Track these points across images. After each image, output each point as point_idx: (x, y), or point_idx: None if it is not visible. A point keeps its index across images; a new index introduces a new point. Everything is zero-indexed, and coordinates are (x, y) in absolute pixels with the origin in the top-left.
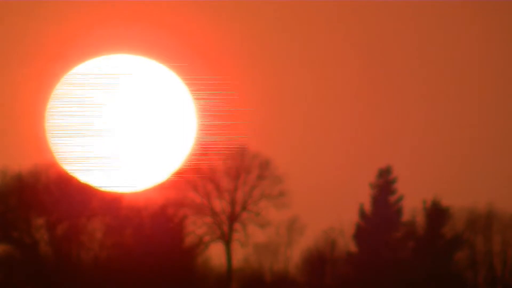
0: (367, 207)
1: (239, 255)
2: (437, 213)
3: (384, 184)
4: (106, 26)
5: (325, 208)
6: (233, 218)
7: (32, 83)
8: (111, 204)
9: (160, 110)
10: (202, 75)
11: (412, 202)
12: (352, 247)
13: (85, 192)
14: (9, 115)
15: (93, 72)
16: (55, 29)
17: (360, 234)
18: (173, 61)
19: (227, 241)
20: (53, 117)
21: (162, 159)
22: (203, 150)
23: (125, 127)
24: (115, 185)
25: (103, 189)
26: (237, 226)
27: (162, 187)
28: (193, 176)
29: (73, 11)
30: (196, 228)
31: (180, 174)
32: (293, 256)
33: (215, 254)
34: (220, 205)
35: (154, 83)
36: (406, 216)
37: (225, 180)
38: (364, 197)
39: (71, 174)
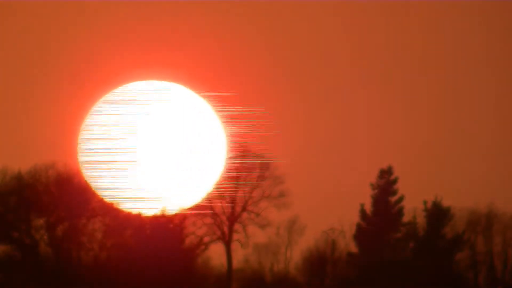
0: (368, 207)
1: (239, 255)
2: (437, 214)
3: (385, 185)
4: (137, 53)
5: (325, 208)
6: (233, 218)
7: (67, 106)
8: (111, 205)
9: (191, 136)
10: (228, 99)
11: (413, 202)
12: (353, 248)
13: (85, 193)
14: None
15: (126, 98)
16: (90, 55)
17: (360, 234)
18: (202, 87)
19: (227, 241)
20: (86, 140)
21: (193, 183)
22: (233, 175)
23: (157, 152)
24: (147, 208)
25: (134, 211)
26: (237, 226)
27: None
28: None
29: (107, 38)
30: (196, 228)
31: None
32: (293, 256)
33: (215, 254)
34: (220, 205)
35: (184, 108)
36: (406, 217)
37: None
38: (364, 197)
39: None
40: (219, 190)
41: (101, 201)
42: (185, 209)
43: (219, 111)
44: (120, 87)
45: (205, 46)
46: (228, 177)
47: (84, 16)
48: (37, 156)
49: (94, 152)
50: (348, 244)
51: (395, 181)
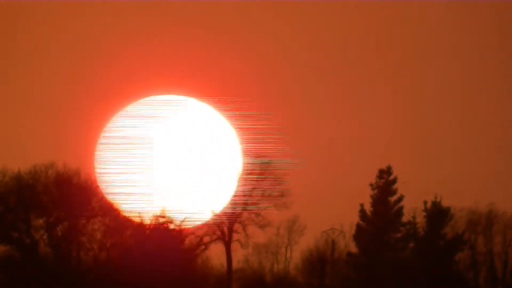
0: (368, 207)
1: (239, 255)
2: (437, 214)
3: (385, 185)
4: (151, 68)
5: (325, 208)
6: (233, 218)
7: (85, 118)
8: (111, 205)
9: (206, 148)
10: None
11: (413, 202)
12: (353, 248)
13: (84, 193)
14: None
15: (142, 111)
16: (108, 69)
17: (360, 234)
18: (218, 101)
19: (227, 241)
20: (103, 153)
21: (208, 195)
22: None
23: (173, 163)
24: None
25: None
26: (237, 226)
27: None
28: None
29: (122, 52)
30: (196, 228)
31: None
32: (293, 256)
33: (215, 254)
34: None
35: (200, 121)
36: (406, 217)
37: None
38: (364, 197)
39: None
40: (235, 200)
41: (101, 201)
42: (202, 220)
43: (228, 116)
44: (138, 100)
45: (211, 53)
46: (243, 185)
47: (106, 29)
48: (38, 156)
49: (111, 162)
50: (348, 244)
51: (394, 181)
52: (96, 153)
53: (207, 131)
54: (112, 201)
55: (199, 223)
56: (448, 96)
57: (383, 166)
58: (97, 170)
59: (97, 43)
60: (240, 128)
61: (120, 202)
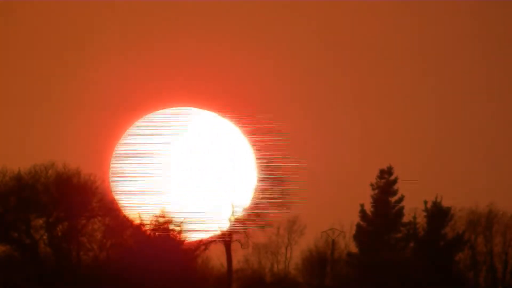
0: (368, 207)
1: (239, 255)
2: (437, 214)
3: (385, 185)
4: (166, 81)
5: (325, 208)
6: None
7: (99, 131)
8: (110, 205)
9: (220, 160)
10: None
11: (413, 202)
12: (353, 248)
13: (84, 192)
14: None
15: (157, 124)
16: (121, 82)
17: (360, 234)
18: (231, 113)
19: (227, 241)
20: (118, 165)
21: (222, 207)
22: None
23: (188, 176)
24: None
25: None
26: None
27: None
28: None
29: (137, 66)
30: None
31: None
32: (293, 256)
33: (215, 254)
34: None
35: (215, 134)
36: (406, 217)
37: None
38: (365, 197)
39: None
40: (250, 211)
41: (101, 201)
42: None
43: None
44: (151, 113)
45: (220, 66)
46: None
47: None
48: (40, 156)
49: (126, 175)
50: (348, 244)
51: (395, 181)
52: (112, 162)
53: (222, 143)
54: (131, 215)
55: (214, 234)
56: (448, 96)
57: (384, 166)
58: (113, 180)
59: (112, 50)
60: (247, 132)
61: (136, 211)
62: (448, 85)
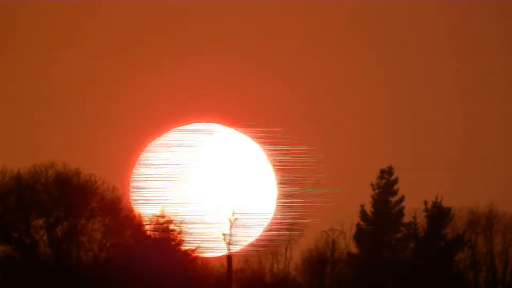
0: (368, 207)
1: (240, 255)
2: (438, 214)
3: (386, 185)
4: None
5: (325, 208)
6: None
7: (119, 148)
8: (110, 205)
9: (240, 175)
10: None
11: (413, 202)
12: (353, 248)
13: (84, 193)
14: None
15: (176, 139)
16: (142, 98)
17: (361, 234)
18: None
19: (227, 241)
20: (138, 181)
21: (243, 223)
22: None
23: (207, 191)
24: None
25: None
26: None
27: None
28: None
29: (154, 84)
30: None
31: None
32: (293, 256)
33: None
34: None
35: (233, 149)
36: (407, 217)
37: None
38: (365, 197)
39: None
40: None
41: (100, 201)
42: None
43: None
44: (172, 129)
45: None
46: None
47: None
48: (41, 156)
49: (146, 189)
50: (348, 244)
51: (395, 181)
52: (132, 178)
53: (241, 159)
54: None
55: (236, 250)
56: (448, 97)
57: (384, 166)
58: (133, 195)
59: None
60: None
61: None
62: (448, 85)
